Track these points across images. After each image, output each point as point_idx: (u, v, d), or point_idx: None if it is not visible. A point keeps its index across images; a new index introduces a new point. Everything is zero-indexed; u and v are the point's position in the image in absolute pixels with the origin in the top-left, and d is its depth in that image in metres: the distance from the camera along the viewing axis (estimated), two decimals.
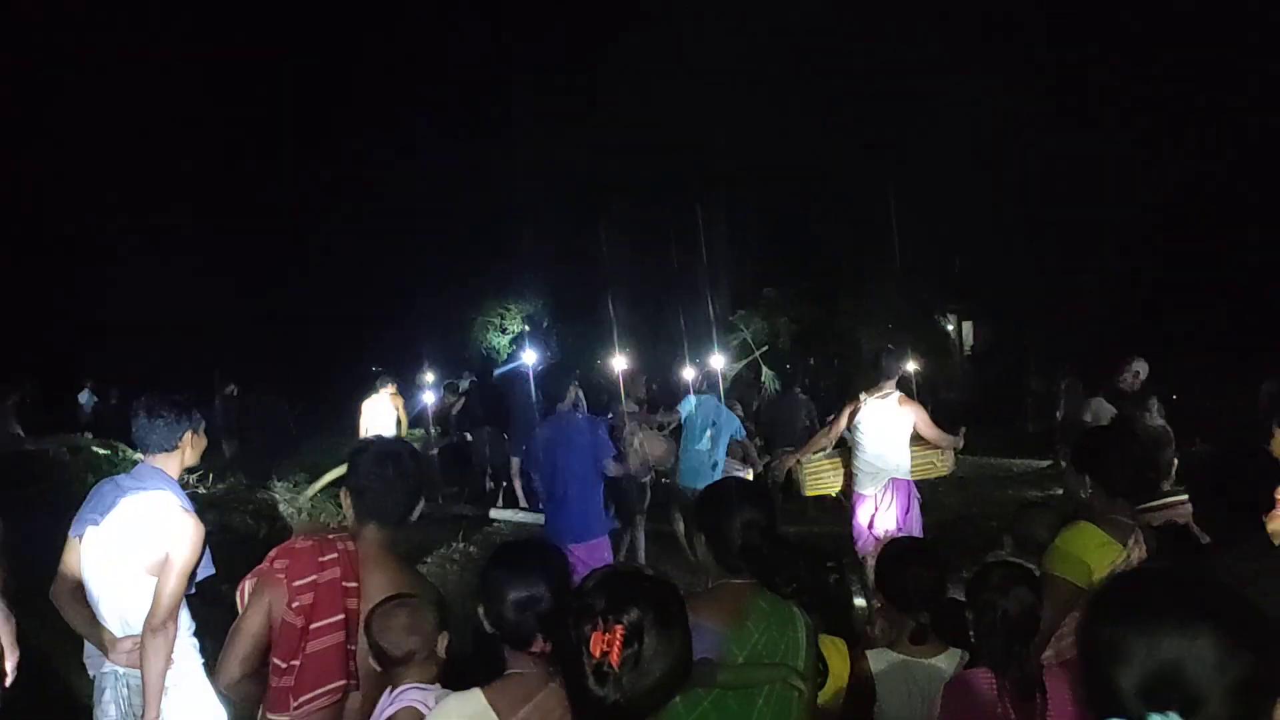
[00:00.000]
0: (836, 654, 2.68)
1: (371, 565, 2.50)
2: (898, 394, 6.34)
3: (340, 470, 11.61)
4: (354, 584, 2.45)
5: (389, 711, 2.26)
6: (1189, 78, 15.07)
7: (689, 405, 7.93)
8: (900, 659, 2.69)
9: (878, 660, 2.72)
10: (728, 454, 7.80)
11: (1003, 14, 15.44)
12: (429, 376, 14.66)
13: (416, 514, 2.67)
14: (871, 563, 5.91)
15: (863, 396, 6.33)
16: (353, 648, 2.42)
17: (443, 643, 2.37)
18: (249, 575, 2.51)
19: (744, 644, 2.29)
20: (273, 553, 2.49)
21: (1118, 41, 15.28)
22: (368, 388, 11.15)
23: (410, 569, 2.67)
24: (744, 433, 8.09)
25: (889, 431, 6.26)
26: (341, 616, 2.41)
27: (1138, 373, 6.65)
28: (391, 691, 2.31)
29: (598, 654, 1.45)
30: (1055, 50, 15.61)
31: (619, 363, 11.16)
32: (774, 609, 2.36)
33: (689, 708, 2.20)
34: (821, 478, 6.71)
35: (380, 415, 10.63)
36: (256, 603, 2.41)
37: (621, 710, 1.47)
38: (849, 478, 6.53)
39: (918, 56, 15.35)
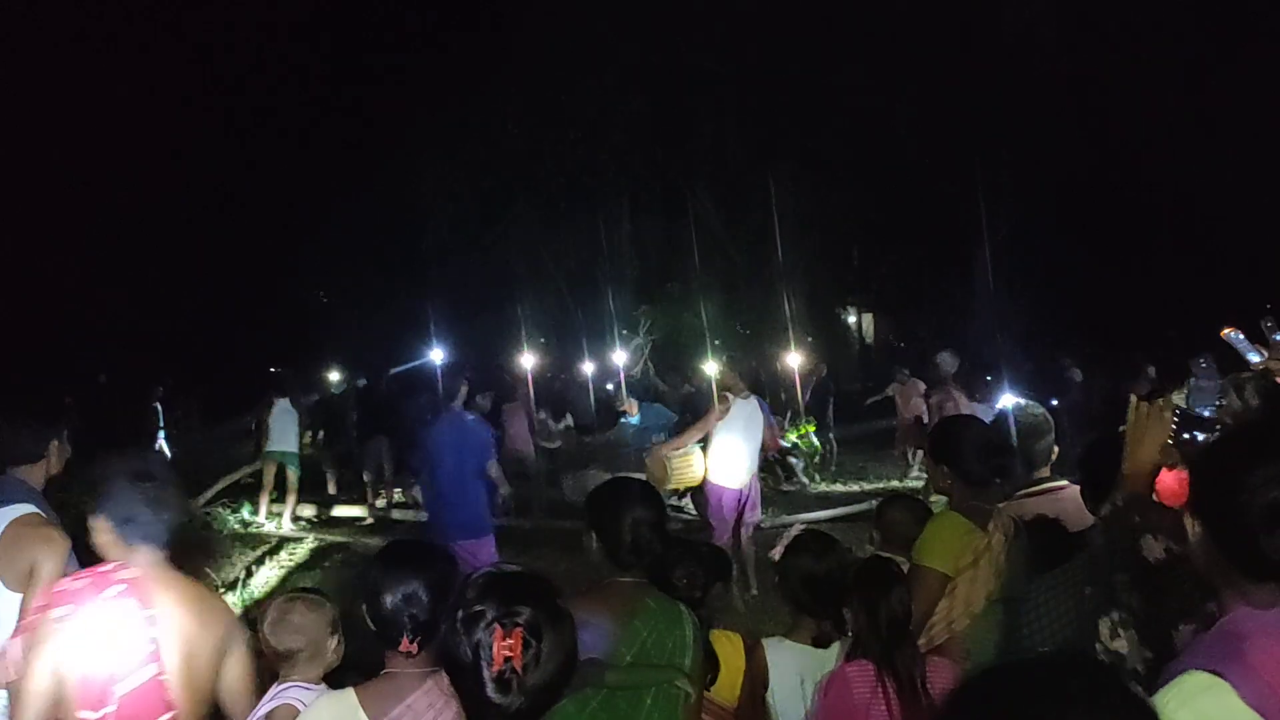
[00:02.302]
0: (731, 647, 2.71)
1: (159, 589, 2.35)
2: (755, 396, 7.00)
3: (235, 476, 11.24)
4: (152, 611, 2.30)
5: (268, 707, 2.22)
6: (1073, 73, 15.72)
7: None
8: (792, 648, 2.75)
9: (770, 650, 2.76)
10: None
11: (893, 13, 15.83)
12: (333, 376, 14.36)
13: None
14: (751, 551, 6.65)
15: (730, 396, 6.81)
16: (164, 677, 2.28)
17: (332, 644, 2.33)
18: (15, 633, 2.33)
19: (632, 643, 2.30)
20: (41, 602, 2.30)
21: (1003, 41, 15.83)
22: (266, 390, 10.76)
23: (198, 583, 2.54)
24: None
25: (754, 428, 6.80)
26: (152, 649, 2.27)
27: (937, 365, 7.24)
28: (276, 686, 2.28)
29: (501, 661, 1.42)
30: (945, 48, 16.08)
31: (525, 360, 11.07)
32: (661, 608, 2.38)
33: (578, 708, 2.20)
34: (686, 473, 6.98)
35: (283, 424, 10.19)
36: (39, 661, 2.20)
37: (522, 714, 1.45)
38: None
39: (813, 54, 15.63)
